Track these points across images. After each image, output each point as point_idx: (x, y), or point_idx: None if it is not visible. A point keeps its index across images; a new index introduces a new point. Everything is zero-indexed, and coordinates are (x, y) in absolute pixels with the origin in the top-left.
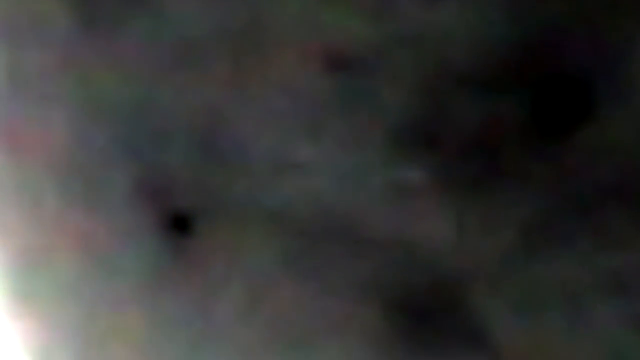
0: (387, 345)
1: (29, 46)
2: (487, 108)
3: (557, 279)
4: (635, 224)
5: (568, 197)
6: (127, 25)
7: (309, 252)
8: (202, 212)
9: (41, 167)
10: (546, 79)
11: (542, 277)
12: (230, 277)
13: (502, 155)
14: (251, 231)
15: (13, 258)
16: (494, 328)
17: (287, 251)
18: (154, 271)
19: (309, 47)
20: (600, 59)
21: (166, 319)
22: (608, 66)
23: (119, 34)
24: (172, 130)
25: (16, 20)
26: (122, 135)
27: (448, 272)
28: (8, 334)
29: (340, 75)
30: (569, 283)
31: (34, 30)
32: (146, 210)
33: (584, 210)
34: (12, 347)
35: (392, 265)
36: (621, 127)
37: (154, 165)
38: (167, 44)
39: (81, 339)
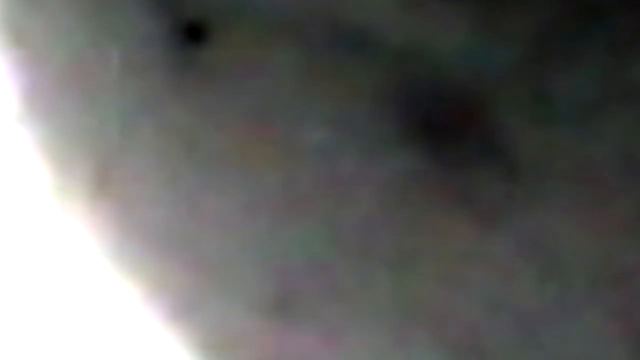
0: (404, 154)
1: None
2: None
3: (572, 89)
4: None
5: (581, 4)
6: None
7: (323, 62)
8: (216, 22)
9: None
10: None
11: (557, 88)
12: (243, 88)
13: None
14: (266, 42)
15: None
16: (510, 140)
17: (301, 62)
18: (166, 80)
19: None
20: None
21: (177, 129)
22: None
23: None
24: None
25: None
26: None
27: (461, 83)
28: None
29: None
30: (583, 93)
31: None
32: (159, 18)
33: (597, 18)
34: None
35: (406, 73)
36: None
37: None
38: None
39: (95, 147)
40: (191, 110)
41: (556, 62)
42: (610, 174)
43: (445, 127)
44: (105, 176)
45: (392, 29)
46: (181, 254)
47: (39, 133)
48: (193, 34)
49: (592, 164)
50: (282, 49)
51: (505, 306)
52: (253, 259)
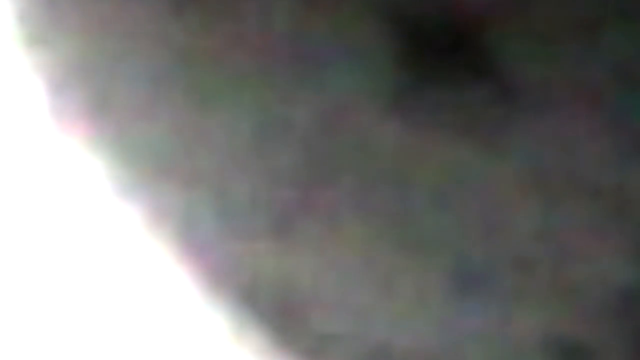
0: (399, 75)
1: None
2: None
3: (568, 9)
4: None
5: None
6: None
7: None
8: None
9: None
10: None
11: (553, 7)
12: (241, 9)
13: None
14: None
15: None
16: (506, 61)
17: None
18: (163, 6)
19: None
20: None
21: (173, 53)
22: None
23: None
24: None
25: None
26: None
27: (457, 4)
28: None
29: None
30: (580, 13)
31: None
32: None
33: None
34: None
35: None
36: None
37: None
38: None
39: (93, 71)
40: (187, 34)
41: None
42: (609, 95)
43: (441, 48)
44: (102, 100)
45: None
46: (178, 178)
47: (37, 56)
48: None
49: (590, 85)
50: None
51: (500, 231)
52: (251, 182)
